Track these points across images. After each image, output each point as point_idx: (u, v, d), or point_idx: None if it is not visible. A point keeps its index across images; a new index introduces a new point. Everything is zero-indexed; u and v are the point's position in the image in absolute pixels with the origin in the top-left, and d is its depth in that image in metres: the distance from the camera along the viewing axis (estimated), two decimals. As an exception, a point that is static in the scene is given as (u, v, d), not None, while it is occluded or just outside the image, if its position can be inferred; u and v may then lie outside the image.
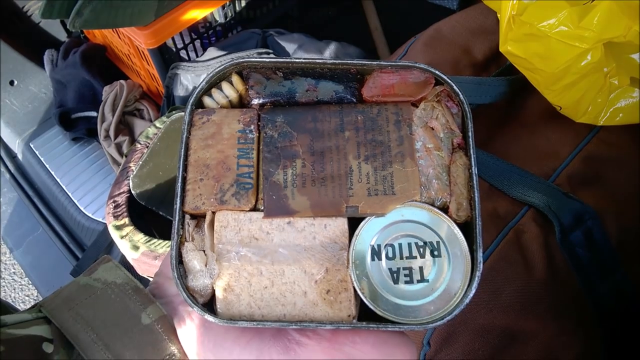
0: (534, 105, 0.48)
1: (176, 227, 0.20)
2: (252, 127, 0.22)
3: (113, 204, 0.60)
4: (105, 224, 0.74)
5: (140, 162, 0.61)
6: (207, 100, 0.23)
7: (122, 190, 0.60)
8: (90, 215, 0.81)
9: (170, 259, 0.20)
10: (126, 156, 0.65)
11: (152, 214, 0.60)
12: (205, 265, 0.20)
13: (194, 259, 0.21)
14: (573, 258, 0.40)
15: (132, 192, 0.60)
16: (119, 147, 0.84)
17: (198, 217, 0.21)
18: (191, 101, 0.22)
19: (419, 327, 0.19)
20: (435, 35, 0.53)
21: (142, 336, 0.22)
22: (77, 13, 0.60)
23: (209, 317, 0.20)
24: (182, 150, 0.21)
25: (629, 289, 0.41)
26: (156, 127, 0.66)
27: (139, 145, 0.63)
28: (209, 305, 0.21)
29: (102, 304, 0.23)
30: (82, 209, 0.82)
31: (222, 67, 0.22)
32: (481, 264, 0.19)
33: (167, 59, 0.78)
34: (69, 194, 0.84)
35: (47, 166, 0.86)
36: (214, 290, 0.21)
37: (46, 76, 0.96)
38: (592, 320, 0.39)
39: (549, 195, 0.41)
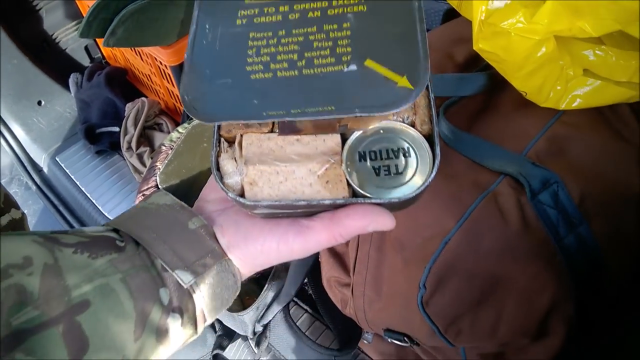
0: (507, 96, 0.56)
1: (214, 143, 0.27)
2: None
3: (142, 197, 0.67)
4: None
5: (166, 161, 0.69)
6: None
7: (150, 185, 0.68)
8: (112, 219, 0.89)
9: (211, 164, 0.27)
10: (152, 158, 0.72)
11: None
12: (237, 168, 0.28)
13: (228, 164, 0.28)
14: (542, 215, 0.47)
15: (159, 186, 0.68)
16: (140, 157, 0.92)
17: (229, 141, 0.29)
18: None
19: (395, 200, 0.26)
20: (422, 43, 0.63)
21: (190, 236, 0.29)
22: (111, 32, 0.70)
23: (240, 199, 0.26)
24: None
25: (591, 241, 0.48)
26: (179, 132, 0.74)
27: (164, 147, 0.71)
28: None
29: (157, 217, 0.30)
30: (105, 214, 0.90)
31: None
32: (439, 156, 0.26)
33: (186, 75, 0.87)
34: (93, 201, 0.91)
35: (72, 177, 0.94)
36: (242, 186, 0.27)
37: (70, 97, 1.05)
38: (561, 265, 0.47)
39: (521, 166, 0.49)
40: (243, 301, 0.69)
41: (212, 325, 0.68)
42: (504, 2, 0.45)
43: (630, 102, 0.53)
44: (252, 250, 0.29)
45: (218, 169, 0.28)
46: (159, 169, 0.69)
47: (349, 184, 0.27)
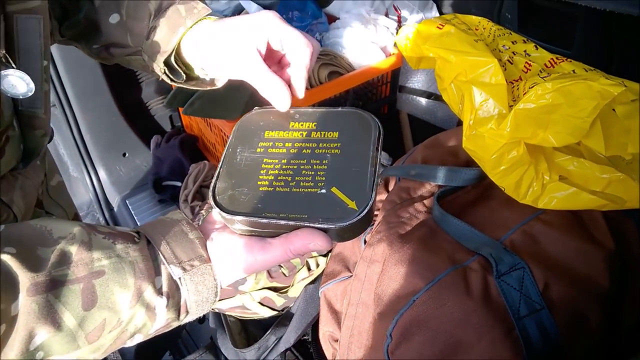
0: (497, 192, 0.65)
1: (215, 176, 0.39)
2: None
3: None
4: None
5: (209, 210, 0.83)
6: None
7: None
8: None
9: (210, 191, 0.39)
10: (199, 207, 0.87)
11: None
12: None
13: None
14: (506, 293, 0.54)
15: (200, 231, 0.81)
16: (192, 210, 1.07)
17: None
18: None
19: (332, 226, 0.36)
20: (433, 140, 0.74)
21: (187, 243, 0.38)
22: (190, 104, 0.88)
23: (221, 212, 0.37)
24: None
25: (551, 326, 0.53)
26: (225, 190, 0.88)
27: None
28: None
29: (168, 226, 0.39)
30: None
31: None
32: (366, 210, 0.36)
33: (242, 146, 1.03)
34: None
35: (136, 218, 1.10)
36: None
37: (149, 154, 1.25)
38: (518, 341, 0.52)
39: (494, 249, 0.57)
40: (250, 344, 0.77)
41: (219, 360, 0.76)
42: (486, 114, 0.57)
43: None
44: (228, 257, 0.39)
45: (214, 193, 0.39)
46: (203, 215, 0.83)
47: None
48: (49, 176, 0.57)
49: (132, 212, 1.12)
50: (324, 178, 0.38)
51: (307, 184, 0.38)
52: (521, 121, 0.52)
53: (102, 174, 1.19)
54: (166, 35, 0.48)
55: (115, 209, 1.18)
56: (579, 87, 0.48)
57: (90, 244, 0.35)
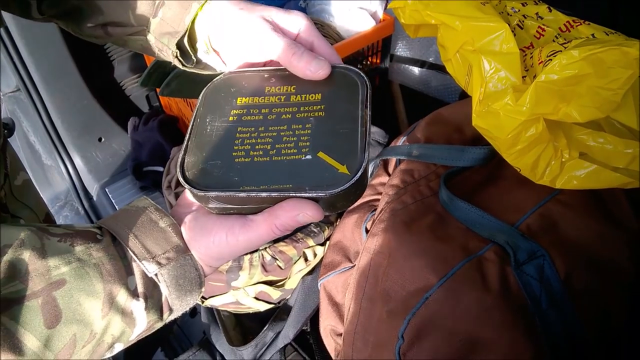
0: (509, 171, 0.60)
1: (183, 149, 0.34)
2: None
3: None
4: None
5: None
6: None
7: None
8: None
9: (177, 165, 0.33)
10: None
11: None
12: None
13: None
14: (525, 285, 0.49)
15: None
16: (177, 196, 1.00)
17: None
18: None
19: (322, 194, 0.31)
20: (435, 116, 0.68)
21: (158, 233, 0.33)
22: (167, 84, 0.80)
23: (193, 189, 0.32)
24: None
25: (574, 318, 0.49)
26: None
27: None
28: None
29: (134, 216, 0.34)
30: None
31: None
32: (359, 173, 0.32)
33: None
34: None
35: (117, 207, 1.04)
36: None
37: (127, 137, 1.17)
38: (541, 336, 0.48)
39: (510, 236, 0.52)
40: (246, 339, 0.73)
41: None
42: (497, 87, 0.50)
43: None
44: (206, 241, 0.34)
45: (183, 169, 0.34)
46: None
47: None
48: (11, 176, 0.50)
49: (113, 201, 1.05)
50: (308, 143, 0.34)
51: (289, 151, 0.34)
52: (542, 95, 0.46)
53: (77, 161, 1.11)
54: (177, 12, 0.41)
55: (94, 198, 1.10)
56: (612, 54, 0.42)
57: (44, 250, 0.30)
